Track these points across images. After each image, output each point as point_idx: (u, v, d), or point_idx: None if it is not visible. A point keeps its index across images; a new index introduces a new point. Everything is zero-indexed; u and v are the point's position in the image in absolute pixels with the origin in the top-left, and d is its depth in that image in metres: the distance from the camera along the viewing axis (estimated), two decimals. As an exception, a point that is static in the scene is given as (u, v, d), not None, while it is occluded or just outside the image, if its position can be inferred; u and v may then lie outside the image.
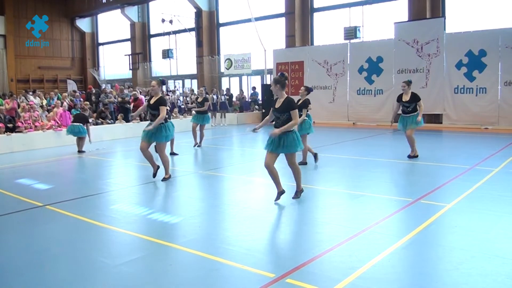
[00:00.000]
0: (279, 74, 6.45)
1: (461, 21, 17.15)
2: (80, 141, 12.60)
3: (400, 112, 10.08)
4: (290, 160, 6.52)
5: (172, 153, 11.19)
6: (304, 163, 9.39)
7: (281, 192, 6.48)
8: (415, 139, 9.97)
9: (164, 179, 8.21)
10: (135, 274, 4.21)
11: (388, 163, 9.87)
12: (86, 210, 6.39)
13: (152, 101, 8.12)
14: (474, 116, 16.37)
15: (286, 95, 6.29)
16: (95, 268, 4.33)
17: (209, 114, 13.45)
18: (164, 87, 26.98)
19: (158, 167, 8.31)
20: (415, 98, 9.73)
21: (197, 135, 12.74)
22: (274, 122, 6.46)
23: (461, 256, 4.36)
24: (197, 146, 12.66)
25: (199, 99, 12.92)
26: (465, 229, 5.17)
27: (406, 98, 9.81)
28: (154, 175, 8.29)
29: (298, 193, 6.73)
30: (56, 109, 15.09)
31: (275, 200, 6.47)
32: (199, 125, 12.68)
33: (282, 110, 6.22)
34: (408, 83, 9.90)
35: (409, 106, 9.78)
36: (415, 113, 9.75)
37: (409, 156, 9.93)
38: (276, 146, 6.28)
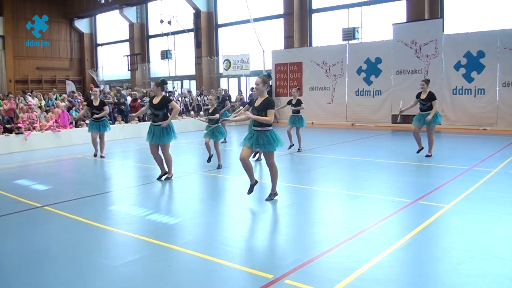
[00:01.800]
0: (266, 74, 6.57)
1: (460, 22, 17.18)
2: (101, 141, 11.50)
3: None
4: (268, 159, 6.62)
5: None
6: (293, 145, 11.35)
7: (254, 184, 6.68)
8: (433, 140, 10.31)
9: (167, 178, 8.29)
10: (134, 275, 4.20)
11: (386, 164, 9.88)
12: (85, 211, 6.38)
13: (155, 101, 8.17)
14: (472, 117, 16.39)
15: (267, 95, 6.47)
16: (94, 269, 4.33)
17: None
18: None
19: (166, 172, 8.40)
20: (431, 97, 10.09)
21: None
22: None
23: (460, 256, 4.36)
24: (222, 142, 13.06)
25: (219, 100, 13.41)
26: (464, 230, 5.18)
27: (423, 96, 10.18)
28: (160, 178, 8.35)
29: (272, 195, 6.74)
30: (57, 109, 15.06)
31: (248, 193, 6.67)
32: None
33: (260, 109, 6.38)
34: (427, 81, 10.33)
35: (425, 104, 10.14)
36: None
37: (426, 155, 10.26)
38: (253, 143, 6.46)
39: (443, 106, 17.02)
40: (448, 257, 4.38)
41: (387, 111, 18.52)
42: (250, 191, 6.70)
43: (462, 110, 16.66)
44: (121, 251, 4.89)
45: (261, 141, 6.42)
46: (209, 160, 9.69)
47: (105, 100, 17.93)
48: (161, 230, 5.49)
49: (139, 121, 16.82)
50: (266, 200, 6.69)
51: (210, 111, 9.51)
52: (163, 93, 8.42)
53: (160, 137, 8.12)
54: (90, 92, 11.32)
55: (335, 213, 6.08)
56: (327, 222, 5.63)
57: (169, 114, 8.29)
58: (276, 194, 6.76)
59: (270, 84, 6.98)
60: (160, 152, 8.29)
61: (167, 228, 5.59)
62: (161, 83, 8.33)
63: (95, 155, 11.37)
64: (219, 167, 9.33)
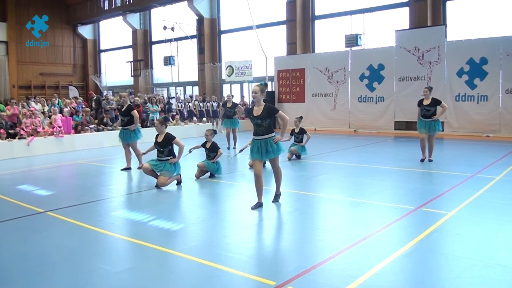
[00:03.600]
0: (261, 83, 6.65)
1: (462, 29, 17.20)
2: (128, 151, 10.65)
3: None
4: (275, 164, 6.70)
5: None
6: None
7: (259, 204, 6.62)
8: (433, 145, 10.59)
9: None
10: (136, 281, 4.20)
11: (389, 170, 9.87)
12: (86, 217, 6.39)
13: (159, 139, 8.49)
14: (475, 124, 16.37)
15: (264, 103, 6.54)
16: (95, 275, 4.33)
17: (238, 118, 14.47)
18: (165, 94, 27.11)
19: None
20: (436, 101, 10.29)
21: (230, 138, 14.08)
22: (254, 130, 6.61)
23: (463, 264, 4.35)
24: (233, 148, 13.84)
25: (228, 104, 14.22)
26: (466, 237, 5.16)
27: (427, 102, 10.33)
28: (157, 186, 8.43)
29: (277, 197, 6.93)
30: (54, 116, 15.08)
31: (252, 208, 6.55)
32: (231, 129, 14.01)
33: (264, 117, 6.41)
34: (430, 88, 10.53)
35: (430, 109, 10.31)
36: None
37: (429, 159, 10.50)
38: (263, 153, 6.47)
39: (446, 113, 16.94)
40: (451, 265, 4.37)
41: (390, 117, 18.52)
42: (256, 207, 6.60)
43: (465, 117, 16.64)
44: (123, 257, 4.89)
45: (270, 148, 6.45)
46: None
47: (107, 106, 18.10)
48: (164, 236, 5.49)
49: (142, 126, 16.84)
50: (273, 202, 6.81)
51: (207, 146, 9.31)
52: (166, 130, 8.58)
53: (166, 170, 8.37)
54: (122, 98, 11.02)
55: (338, 220, 6.07)
56: (330, 229, 5.62)
57: (174, 152, 8.55)
58: (280, 195, 6.97)
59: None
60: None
61: (169, 234, 5.59)
62: (164, 120, 8.59)
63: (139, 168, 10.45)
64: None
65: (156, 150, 8.56)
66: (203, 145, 9.38)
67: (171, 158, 8.35)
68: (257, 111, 6.48)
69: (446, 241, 5.15)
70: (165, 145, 8.36)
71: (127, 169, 10.41)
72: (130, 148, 10.48)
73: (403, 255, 4.61)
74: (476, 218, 5.91)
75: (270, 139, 6.47)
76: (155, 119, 18.27)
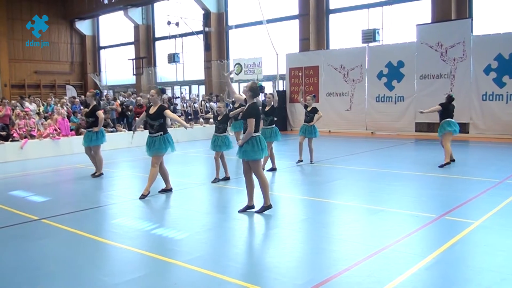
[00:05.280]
0: (260, 84, 6.88)
1: (490, 22, 17.09)
2: None
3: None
4: (255, 170, 6.73)
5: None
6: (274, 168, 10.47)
7: (250, 207, 6.81)
8: (449, 148, 10.65)
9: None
10: (137, 293, 4.21)
11: (409, 175, 9.82)
12: (85, 224, 6.42)
13: (151, 111, 8.15)
14: (504, 125, 16.24)
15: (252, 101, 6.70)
16: (94, 287, 4.34)
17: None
18: (169, 93, 27.20)
19: (171, 189, 8.50)
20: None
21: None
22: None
23: (491, 278, 4.30)
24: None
25: (236, 105, 11.46)
26: (494, 249, 5.11)
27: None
28: (163, 191, 8.42)
29: (263, 208, 6.78)
30: (56, 116, 15.21)
31: (239, 211, 6.81)
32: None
33: (244, 117, 6.71)
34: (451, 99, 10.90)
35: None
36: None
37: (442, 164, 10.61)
38: (241, 152, 6.69)
39: (472, 114, 16.90)
40: (477, 279, 4.32)
41: (410, 118, 18.44)
42: (243, 210, 6.83)
43: (493, 117, 16.52)
44: (124, 267, 4.90)
45: (243, 148, 6.64)
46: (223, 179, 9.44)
47: (108, 107, 18.20)
48: (167, 246, 5.51)
49: (145, 128, 16.90)
50: (256, 212, 6.77)
51: (219, 118, 9.40)
52: (160, 102, 8.39)
53: (158, 150, 8.12)
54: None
55: (354, 229, 6.05)
56: (345, 239, 5.60)
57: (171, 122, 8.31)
58: (270, 207, 6.80)
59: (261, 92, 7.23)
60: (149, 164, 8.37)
61: (173, 243, 5.60)
62: (161, 91, 8.40)
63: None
64: (226, 178, 9.38)
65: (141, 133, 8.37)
66: (215, 118, 9.56)
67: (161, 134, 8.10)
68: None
69: (472, 253, 5.11)
70: (157, 118, 8.06)
71: (99, 175, 10.46)
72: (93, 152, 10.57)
73: (425, 268, 4.58)
74: (505, 227, 5.86)
75: (248, 141, 6.60)
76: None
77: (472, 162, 11.79)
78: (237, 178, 9.63)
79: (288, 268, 4.83)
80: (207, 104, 21.34)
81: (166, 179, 8.44)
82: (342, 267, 4.62)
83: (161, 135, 8.10)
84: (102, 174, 10.42)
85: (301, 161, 11.24)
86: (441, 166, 10.29)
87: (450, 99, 10.70)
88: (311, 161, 11.31)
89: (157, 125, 8.10)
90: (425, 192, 8.23)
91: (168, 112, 8.12)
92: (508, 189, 7.98)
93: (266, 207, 6.77)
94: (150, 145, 8.14)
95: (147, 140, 8.27)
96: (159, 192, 8.38)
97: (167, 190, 8.43)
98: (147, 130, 8.40)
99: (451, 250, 5.07)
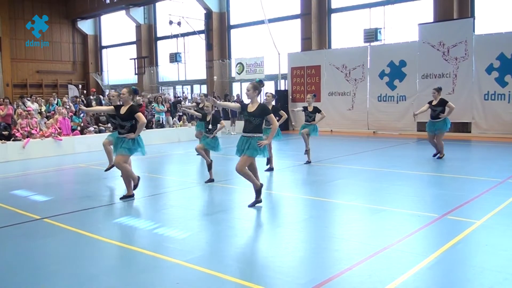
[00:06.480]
0: (258, 80, 7.17)
1: (492, 21, 17.06)
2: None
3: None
4: (242, 162, 6.83)
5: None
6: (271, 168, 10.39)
7: (259, 188, 7.05)
8: (443, 144, 11.40)
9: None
10: (138, 293, 4.21)
11: (411, 175, 9.81)
12: (87, 224, 6.43)
13: (122, 111, 7.79)
14: (506, 124, 16.22)
15: (259, 101, 6.94)
16: (95, 286, 4.34)
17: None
18: (171, 93, 27.21)
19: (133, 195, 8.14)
20: (442, 102, 11.20)
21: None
22: (244, 126, 7.00)
23: (493, 278, 4.29)
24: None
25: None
26: (497, 248, 5.10)
27: (434, 102, 11.31)
28: (135, 187, 8.13)
29: (253, 203, 7.09)
30: (57, 116, 15.22)
31: (252, 203, 7.00)
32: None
33: (257, 115, 6.83)
34: (438, 90, 11.44)
35: (436, 109, 11.31)
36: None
37: (438, 157, 11.35)
38: (242, 149, 6.84)
39: (474, 113, 16.89)
40: (479, 278, 4.32)
41: (412, 118, 18.34)
42: (257, 197, 7.04)
43: (495, 117, 16.50)
44: (126, 267, 4.90)
45: (246, 145, 6.78)
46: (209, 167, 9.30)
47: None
48: (168, 245, 5.50)
49: (147, 127, 16.91)
50: (249, 206, 7.02)
51: (207, 119, 9.26)
52: (132, 102, 8.01)
53: (126, 149, 7.79)
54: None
55: (356, 228, 6.04)
56: (347, 238, 5.60)
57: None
58: (258, 202, 7.10)
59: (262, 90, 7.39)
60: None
61: (174, 243, 5.60)
62: (134, 91, 8.00)
63: None
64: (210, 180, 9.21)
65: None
66: (203, 119, 9.44)
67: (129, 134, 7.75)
68: (251, 108, 6.89)
69: (474, 253, 5.10)
70: (128, 118, 7.73)
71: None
72: None
73: (426, 267, 4.57)
74: (508, 227, 5.85)
75: (256, 138, 6.80)
76: (161, 119, 18.36)
77: (474, 161, 11.77)
78: (236, 177, 9.61)
79: (290, 267, 4.82)
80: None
81: (128, 184, 8.00)
82: (344, 266, 4.62)
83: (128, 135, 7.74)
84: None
85: (309, 149, 11.20)
86: (440, 158, 11.24)
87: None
88: (308, 162, 11.24)
89: (128, 126, 7.77)
90: (427, 192, 8.23)
91: (140, 115, 7.71)
92: (510, 188, 7.97)
93: (258, 202, 7.08)
94: (118, 144, 7.81)
95: (115, 140, 8.00)
96: (120, 199, 7.95)
97: (129, 196, 7.97)
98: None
99: (453, 250, 5.06)
